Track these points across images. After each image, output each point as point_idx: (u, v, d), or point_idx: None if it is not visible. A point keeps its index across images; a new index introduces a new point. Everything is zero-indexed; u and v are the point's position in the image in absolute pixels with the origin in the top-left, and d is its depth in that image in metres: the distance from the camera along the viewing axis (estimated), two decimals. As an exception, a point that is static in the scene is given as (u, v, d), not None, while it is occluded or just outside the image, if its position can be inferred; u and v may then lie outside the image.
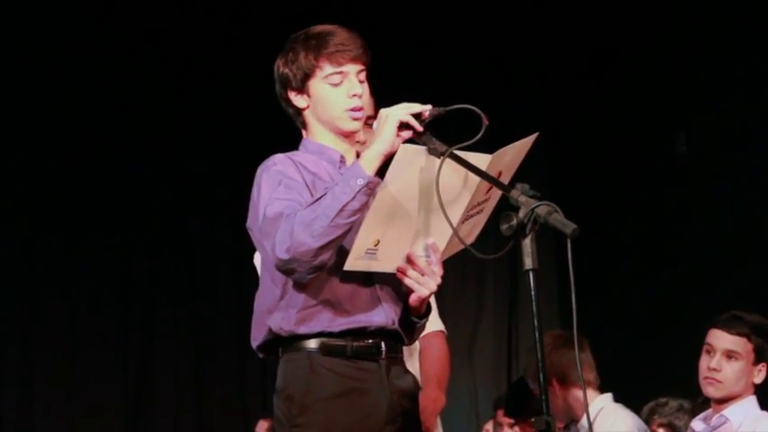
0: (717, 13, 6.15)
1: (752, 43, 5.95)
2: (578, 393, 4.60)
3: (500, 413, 5.61)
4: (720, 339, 4.19)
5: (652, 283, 6.29)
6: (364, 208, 2.95)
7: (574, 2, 7.02)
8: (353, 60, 3.13)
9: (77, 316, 6.52)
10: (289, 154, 3.19)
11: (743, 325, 4.16)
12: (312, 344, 3.07)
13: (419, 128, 2.97)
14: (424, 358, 4.02)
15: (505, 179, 3.08)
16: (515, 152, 3.09)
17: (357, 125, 3.16)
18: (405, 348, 3.28)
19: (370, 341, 3.10)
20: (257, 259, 3.92)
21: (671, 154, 6.39)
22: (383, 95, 3.23)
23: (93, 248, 6.57)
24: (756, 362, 4.15)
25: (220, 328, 6.71)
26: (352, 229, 2.96)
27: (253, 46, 6.49)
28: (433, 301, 4.07)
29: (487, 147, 3.02)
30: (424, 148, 2.96)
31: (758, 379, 4.15)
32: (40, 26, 6.53)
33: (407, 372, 3.22)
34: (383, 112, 3.00)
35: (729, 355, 4.16)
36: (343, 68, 3.13)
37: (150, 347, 6.66)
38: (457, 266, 6.73)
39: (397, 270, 3.08)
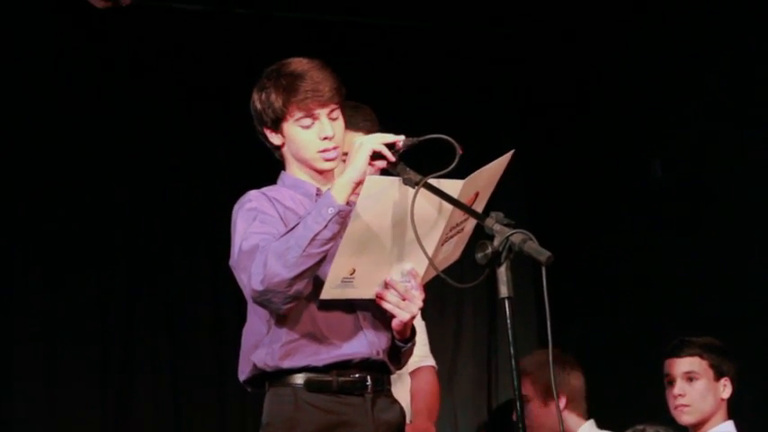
0: (690, 38, 6.19)
1: (727, 67, 5.99)
2: (571, 418, 4.72)
3: None
4: (676, 366, 4.27)
5: (630, 308, 6.29)
6: (336, 237, 2.95)
7: (549, 29, 7.05)
8: (323, 105, 3.15)
9: (53, 352, 6.45)
10: (264, 190, 3.22)
11: (691, 346, 4.26)
12: (298, 379, 3.09)
13: (392, 158, 2.99)
14: (416, 392, 4.07)
15: (483, 199, 3.10)
16: (491, 172, 3.10)
17: (331, 165, 3.18)
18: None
19: (357, 375, 3.11)
20: None
21: (647, 180, 6.41)
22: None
23: (70, 282, 6.52)
24: (717, 377, 4.22)
25: (199, 364, 6.66)
26: (326, 259, 2.96)
27: (230, 76, 6.48)
28: (424, 335, 4.12)
29: (463, 176, 3.02)
30: (396, 178, 2.96)
31: (725, 393, 4.21)
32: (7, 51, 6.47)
33: (394, 402, 3.22)
34: (357, 140, 3.02)
35: (689, 377, 4.24)
36: (314, 113, 3.14)
37: (129, 385, 6.60)
38: (436, 295, 6.69)
39: (376, 296, 3.09)
